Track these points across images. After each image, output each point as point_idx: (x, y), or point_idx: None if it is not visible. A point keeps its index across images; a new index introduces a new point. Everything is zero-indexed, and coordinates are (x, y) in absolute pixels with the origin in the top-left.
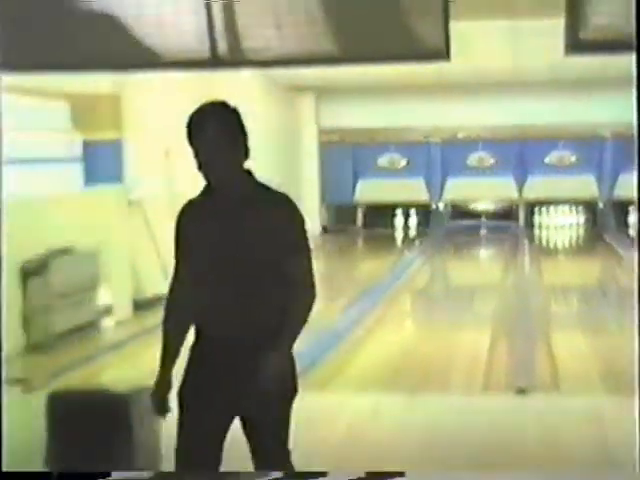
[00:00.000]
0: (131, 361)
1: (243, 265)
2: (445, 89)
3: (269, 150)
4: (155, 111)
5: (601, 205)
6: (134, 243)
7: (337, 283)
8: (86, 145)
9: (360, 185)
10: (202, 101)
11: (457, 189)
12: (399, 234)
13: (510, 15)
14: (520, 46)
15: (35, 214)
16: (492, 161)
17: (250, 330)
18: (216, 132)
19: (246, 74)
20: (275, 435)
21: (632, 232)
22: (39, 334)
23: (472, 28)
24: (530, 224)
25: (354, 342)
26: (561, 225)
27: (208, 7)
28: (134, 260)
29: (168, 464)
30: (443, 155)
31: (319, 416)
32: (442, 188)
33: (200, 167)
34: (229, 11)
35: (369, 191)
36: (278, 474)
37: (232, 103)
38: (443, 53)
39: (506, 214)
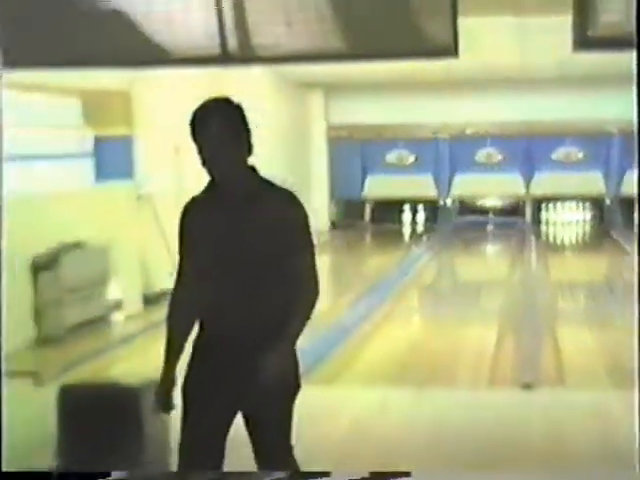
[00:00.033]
0: (141, 355)
1: (247, 261)
2: (453, 86)
3: (279, 146)
4: (165, 107)
5: (608, 202)
6: (144, 238)
7: (345, 278)
8: (97, 141)
9: (369, 181)
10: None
11: (465, 185)
12: (407, 230)
13: (518, 12)
14: (528, 43)
15: (46, 209)
16: (500, 157)
17: (253, 326)
18: (220, 128)
19: (256, 71)
20: (278, 431)
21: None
22: (50, 328)
23: (480, 25)
24: (537, 220)
25: (362, 337)
26: (568, 221)
27: (218, 4)
28: (144, 255)
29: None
30: (451, 151)
31: (326, 411)
32: (450, 184)
33: (204, 163)
34: (239, 8)
35: (377, 187)
36: (282, 474)
37: (242, 100)
38: (451, 50)
39: (513, 210)
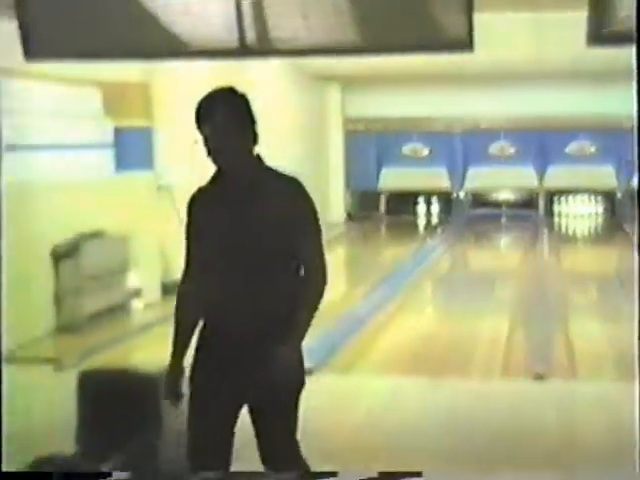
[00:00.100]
0: (159, 343)
1: (253, 250)
2: (468, 80)
3: (296, 139)
4: (184, 99)
5: (619, 195)
6: (163, 228)
7: (361, 269)
8: (117, 132)
9: (384, 173)
10: None
11: (478, 178)
12: (421, 221)
13: (533, 7)
14: (542, 38)
15: (67, 198)
16: (513, 150)
17: (259, 317)
18: (225, 118)
19: (274, 64)
20: (283, 425)
21: None
22: (70, 315)
23: (495, 20)
24: (550, 213)
25: (376, 327)
26: (580, 214)
27: None
28: (163, 244)
29: None
30: (465, 144)
31: (341, 397)
32: (464, 177)
33: (209, 153)
34: (257, 1)
35: (392, 179)
36: (289, 475)
37: (260, 92)
38: (467, 44)
39: (526, 203)
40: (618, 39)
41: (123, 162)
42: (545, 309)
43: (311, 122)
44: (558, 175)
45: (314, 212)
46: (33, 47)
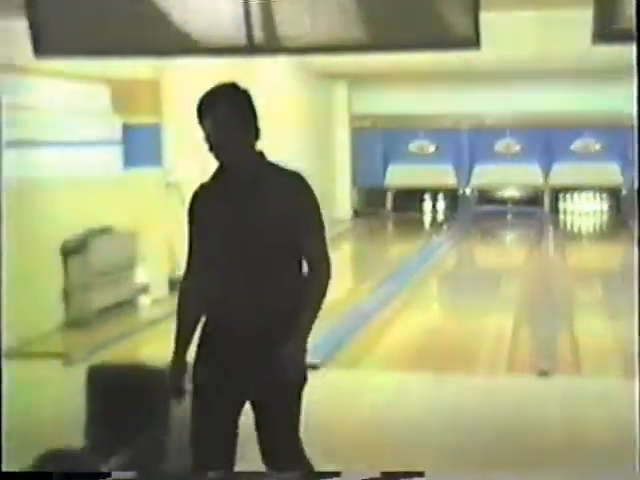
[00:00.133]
0: (166, 338)
1: (256, 247)
2: (474, 77)
3: (303, 136)
4: (193, 96)
5: (625, 192)
6: (171, 224)
7: (368, 265)
8: (126, 129)
9: (390, 170)
10: None
11: (484, 175)
12: (427, 218)
13: (538, 5)
14: (547, 36)
15: (76, 195)
16: (519, 148)
17: (262, 313)
18: (226, 113)
19: (281, 61)
20: (286, 421)
21: None
22: (79, 310)
23: (501, 18)
24: (555, 210)
25: (382, 323)
26: (585, 211)
27: None
28: (171, 240)
29: None
30: (471, 141)
31: (346, 393)
32: (470, 174)
33: (211, 149)
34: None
35: (399, 176)
36: (293, 475)
37: (267, 90)
38: (473, 42)
39: (532, 200)
40: (623, 37)
41: (132, 159)
42: (550, 306)
43: (318, 119)
44: (563, 172)
45: (317, 207)
46: (43, 44)
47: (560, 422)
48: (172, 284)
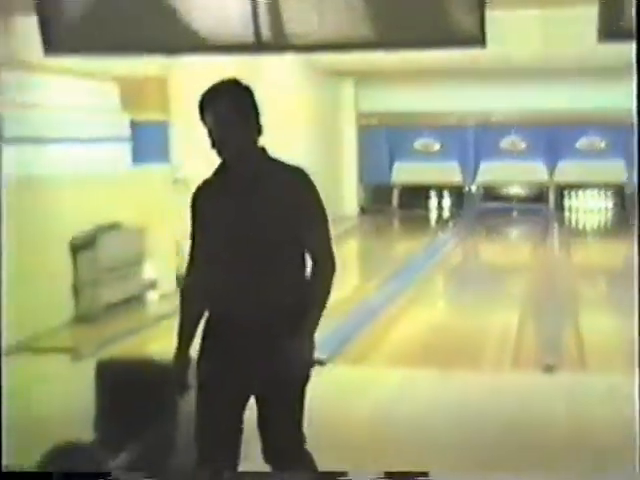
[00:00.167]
0: (174, 333)
1: (258, 242)
2: (480, 75)
3: (310, 133)
4: (200, 93)
5: (629, 190)
6: (178, 220)
7: (374, 262)
8: (134, 126)
9: (396, 167)
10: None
11: (490, 172)
12: (433, 215)
13: (543, 4)
14: (553, 34)
15: (85, 191)
16: (524, 145)
17: (264, 308)
18: (228, 110)
19: (288, 59)
20: (289, 417)
21: None
22: (87, 306)
23: (506, 16)
24: (560, 207)
25: (388, 319)
26: (590, 209)
27: None
28: (178, 236)
29: None
30: (476, 139)
31: (353, 388)
32: (475, 171)
33: (213, 145)
34: None
35: (405, 173)
36: (298, 475)
37: (275, 88)
38: (479, 40)
39: (537, 197)
40: (629, 35)
41: (140, 155)
42: (555, 302)
43: (325, 117)
44: (568, 170)
45: (319, 202)
46: (52, 42)
47: (565, 418)
48: (180, 280)
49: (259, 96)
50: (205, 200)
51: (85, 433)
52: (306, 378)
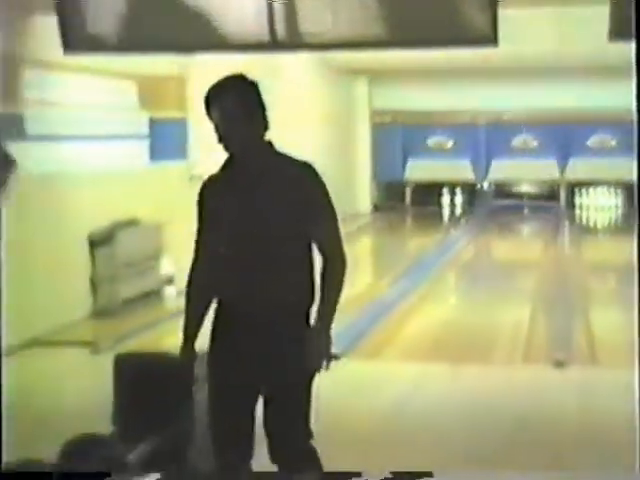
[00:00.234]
0: None
1: (265, 237)
2: (492, 74)
3: (324, 131)
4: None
5: None
6: (195, 216)
7: (387, 258)
8: (152, 123)
9: (409, 165)
10: (261, 83)
11: (502, 170)
12: (445, 212)
13: (555, 3)
14: (564, 33)
15: (104, 188)
16: (535, 143)
17: (271, 304)
18: (233, 105)
19: (303, 57)
20: (296, 412)
21: None
22: (105, 301)
23: (518, 15)
24: (571, 205)
25: (401, 315)
26: (601, 206)
27: None
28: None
29: None
30: (489, 137)
31: (367, 383)
32: (487, 169)
33: (220, 140)
34: None
35: (418, 170)
36: (313, 476)
37: (290, 86)
38: (491, 38)
39: (548, 195)
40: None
41: (158, 153)
42: (566, 298)
43: (339, 115)
44: (579, 168)
45: (328, 197)
46: (72, 41)
47: (575, 413)
48: None
49: (275, 94)
50: (211, 195)
51: (103, 425)
52: (313, 373)
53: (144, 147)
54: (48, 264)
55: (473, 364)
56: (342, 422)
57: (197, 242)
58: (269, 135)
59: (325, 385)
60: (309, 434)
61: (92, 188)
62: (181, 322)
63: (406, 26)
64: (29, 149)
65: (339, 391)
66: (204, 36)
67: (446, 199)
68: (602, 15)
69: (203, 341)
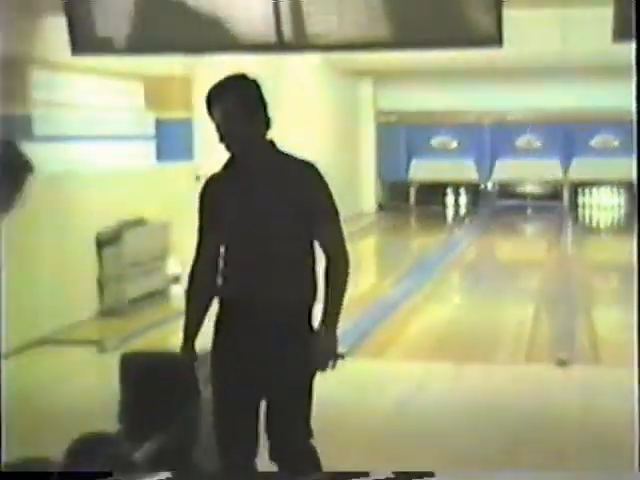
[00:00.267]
0: None
1: (267, 236)
2: (496, 74)
3: (329, 131)
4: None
5: None
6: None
7: (391, 258)
8: (158, 124)
9: (414, 165)
10: (267, 84)
11: (505, 170)
12: (450, 212)
13: (559, 4)
14: (568, 33)
15: (110, 188)
16: (539, 144)
17: (274, 302)
18: (234, 104)
19: (309, 58)
20: (299, 412)
21: None
22: (112, 300)
23: (523, 16)
24: (574, 205)
25: (405, 314)
26: (604, 206)
27: None
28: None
29: None
30: (492, 137)
31: (371, 381)
32: (491, 169)
33: (222, 139)
34: None
35: (422, 170)
36: (320, 476)
37: (296, 86)
38: (496, 40)
39: (551, 195)
40: None
41: (164, 153)
42: (569, 297)
43: (344, 115)
44: (583, 168)
45: (330, 196)
46: (80, 42)
47: (578, 412)
48: None
49: (280, 95)
50: (213, 194)
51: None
52: (315, 373)
53: (151, 147)
54: (55, 264)
55: (476, 363)
56: (345, 421)
57: (198, 241)
58: (274, 135)
59: (329, 384)
60: (309, 433)
61: (99, 188)
62: None
63: (411, 27)
64: (36, 149)
65: (343, 390)
66: (211, 37)
67: (450, 199)
68: (605, 16)
69: (206, 341)
